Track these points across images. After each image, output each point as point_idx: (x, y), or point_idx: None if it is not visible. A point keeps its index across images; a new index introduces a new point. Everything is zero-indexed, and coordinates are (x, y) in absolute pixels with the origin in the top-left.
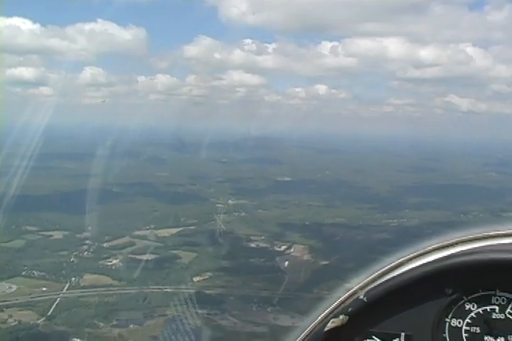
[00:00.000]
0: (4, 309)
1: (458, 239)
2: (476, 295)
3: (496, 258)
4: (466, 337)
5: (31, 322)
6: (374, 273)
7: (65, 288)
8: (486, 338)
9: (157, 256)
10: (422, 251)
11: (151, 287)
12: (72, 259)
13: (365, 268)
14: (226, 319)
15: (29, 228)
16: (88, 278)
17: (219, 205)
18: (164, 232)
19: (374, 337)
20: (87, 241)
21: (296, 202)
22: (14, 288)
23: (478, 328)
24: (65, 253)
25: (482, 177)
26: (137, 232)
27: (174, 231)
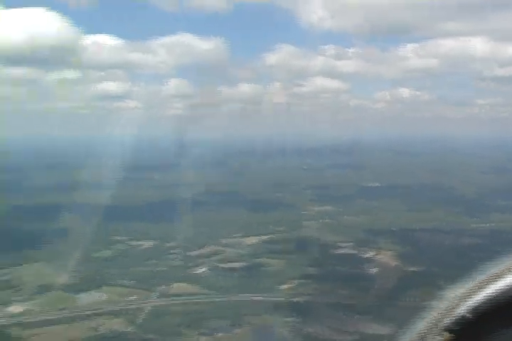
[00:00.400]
0: (95, 317)
1: None
2: None
3: None
4: None
5: (121, 330)
6: (474, 285)
7: (154, 296)
8: None
9: (244, 264)
10: None
11: (238, 295)
12: (160, 268)
13: (460, 277)
14: (314, 327)
15: (118, 238)
16: (176, 286)
17: (305, 212)
18: (251, 240)
19: None
20: (174, 250)
21: (382, 207)
22: (104, 296)
23: None
24: (153, 262)
25: None
26: (224, 240)
27: (261, 239)
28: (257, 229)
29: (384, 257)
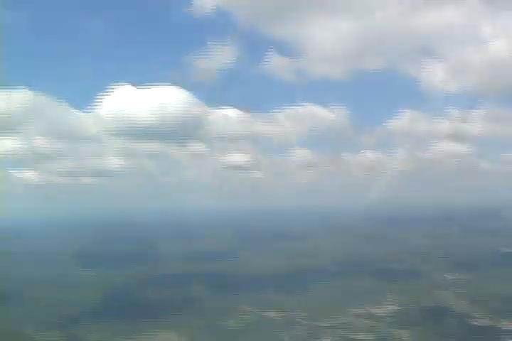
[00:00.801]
0: None
1: None
2: None
3: None
4: None
5: None
6: None
7: None
8: None
9: (373, 335)
10: None
11: None
12: (287, 339)
13: None
14: None
15: (246, 308)
16: None
17: (437, 281)
18: (381, 310)
19: None
20: (303, 320)
21: None
22: None
23: None
24: (279, 332)
25: None
26: (354, 310)
27: (391, 308)
28: (388, 299)
29: None
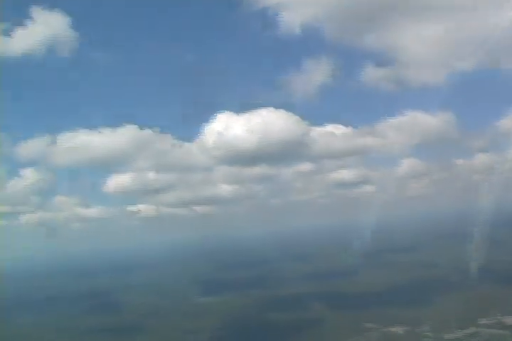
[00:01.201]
0: None
1: None
2: None
3: None
4: None
5: None
6: None
7: None
8: None
9: None
10: None
11: None
12: None
13: None
14: None
15: (368, 325)
16: None
17: None
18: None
19: None
20: (427, 334)
21: None
22: None
23: None
24: None
25: None
26: (483, 321)
27: None
28: None
29: None
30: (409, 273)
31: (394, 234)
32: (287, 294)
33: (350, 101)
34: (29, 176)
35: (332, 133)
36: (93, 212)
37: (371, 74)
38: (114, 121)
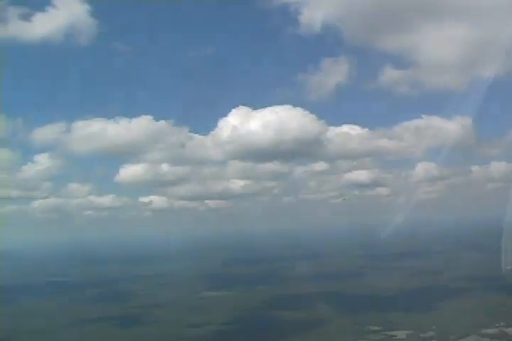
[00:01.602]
0: None
1: None
2: None
3: None
4: None
5: None
6: None
7: None
8: None
9: None
10: None
11: None
12: None
13: None
14: None
15: (373, 328)
16: None
17: None
18: None
19: None
20: (430, 340)
21: None
22: None
23: None
24: None
25: None
26: (485, 330)
27: None
28: None
29: None
30: (417, 278)
31: (405, 238)
32: (293, 292)
33: (367, 102)
34: (43, 162)
35: (348, 134)
36: (105, 200)
37: (389, 75)
38: (130, 112)
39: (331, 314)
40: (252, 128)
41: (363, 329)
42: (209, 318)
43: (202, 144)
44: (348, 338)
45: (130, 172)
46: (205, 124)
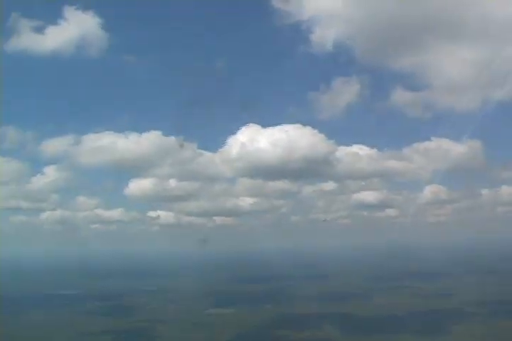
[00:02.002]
0: None
1: None
2: None
3: None
4: None
5: None
6: None
7: None
8: None
9: None
10: None
11: None
12: None
13: None
14: None
15: None
16: None
17: None
18: None
19: None
20: None
21: None
22: None
23: None
24: None
25: None
26: None
27: None
28: None
29: None
30: (425, 300)
31: (412, 260)
32: (299, 312)
33: (376, 122)
34: (52, 174)
35: (357, 154)
36: (112, 214)
37: (400, 97)
38: (139, 126)
39: (335, 335)
40: (261, 146)
41: None
42: (213, 335)
43: (211, 161)
44: None
45: (138, 186)
46: (215, 141)
